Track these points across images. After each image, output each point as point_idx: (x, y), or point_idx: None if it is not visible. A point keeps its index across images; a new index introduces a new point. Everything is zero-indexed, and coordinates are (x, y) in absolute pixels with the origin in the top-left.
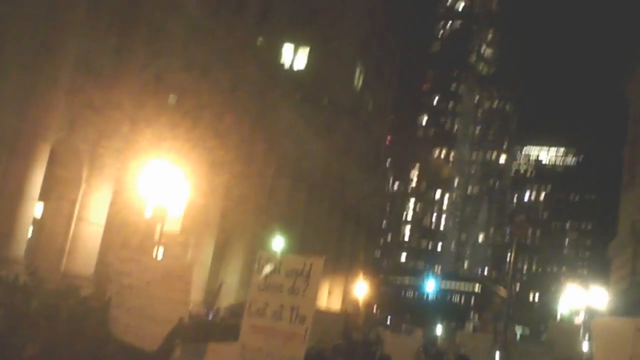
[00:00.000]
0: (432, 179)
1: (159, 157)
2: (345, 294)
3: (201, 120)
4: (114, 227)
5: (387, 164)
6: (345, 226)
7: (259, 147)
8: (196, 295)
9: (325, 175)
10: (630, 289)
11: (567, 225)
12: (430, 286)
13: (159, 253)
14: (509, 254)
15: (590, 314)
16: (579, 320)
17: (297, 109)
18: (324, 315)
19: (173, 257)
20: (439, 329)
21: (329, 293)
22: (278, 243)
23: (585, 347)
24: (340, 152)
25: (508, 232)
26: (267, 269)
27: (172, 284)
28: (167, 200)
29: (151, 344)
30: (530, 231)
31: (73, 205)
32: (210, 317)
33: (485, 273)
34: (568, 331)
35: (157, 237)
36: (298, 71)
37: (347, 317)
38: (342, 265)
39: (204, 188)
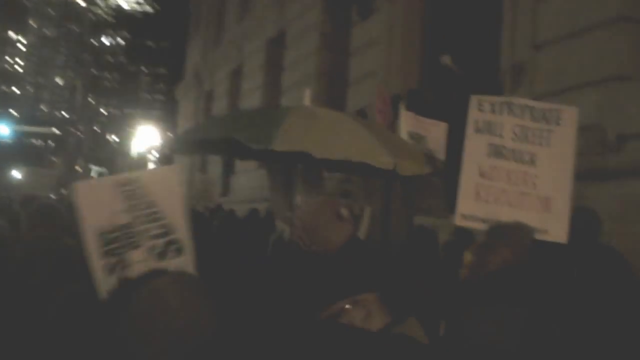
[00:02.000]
0: (5, 17)
1: None
2: None
3: None
4: None
5: None
6: None
7: None
8: None
9: None
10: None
11: (143, 69)
12: (4, 130)
13: None
14: (84, 96)
15: (162, 149)
16: (153, 156)
17: None
18: None
19: None
20: (16, 173)
21: None
22: None
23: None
24: None
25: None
26: None
27: None
28: None
29: None
30: (108, 74)
31: None
32: None
33: (67, 116)
34: (140, 164)
35: None
36: None
37: None
38: None
39: None
